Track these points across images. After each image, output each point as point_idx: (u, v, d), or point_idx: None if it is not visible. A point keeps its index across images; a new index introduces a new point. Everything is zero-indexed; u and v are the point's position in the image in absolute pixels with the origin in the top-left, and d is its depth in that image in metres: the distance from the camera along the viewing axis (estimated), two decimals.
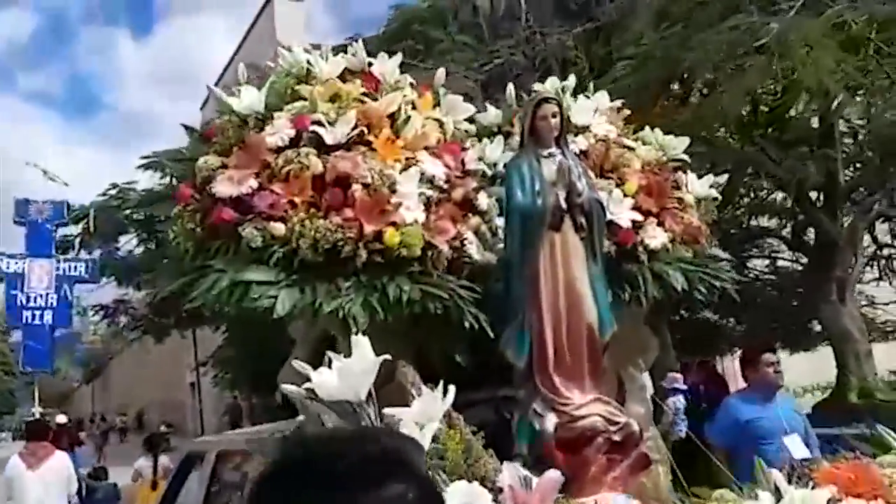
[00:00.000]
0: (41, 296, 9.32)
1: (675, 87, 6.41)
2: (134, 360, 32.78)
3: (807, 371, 9.86)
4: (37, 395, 10.11)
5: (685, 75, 6.04)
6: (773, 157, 6.24)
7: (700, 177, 3.62)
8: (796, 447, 3.65)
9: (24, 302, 9.39)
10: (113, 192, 8.98)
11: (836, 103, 5.77)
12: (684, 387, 7.16)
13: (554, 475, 1.80)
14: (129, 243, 9.84)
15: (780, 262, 8.99)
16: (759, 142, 6.45)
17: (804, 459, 3.47)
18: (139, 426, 27.92)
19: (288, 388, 1.93)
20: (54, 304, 9.37)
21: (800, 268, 8.58)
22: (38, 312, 9.32)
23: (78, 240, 10.14)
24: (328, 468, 0.82)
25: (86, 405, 41.61)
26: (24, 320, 9.44)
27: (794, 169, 6.26)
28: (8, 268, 9.46)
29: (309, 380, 1.85)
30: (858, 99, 5.95)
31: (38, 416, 9.35)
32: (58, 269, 9.43)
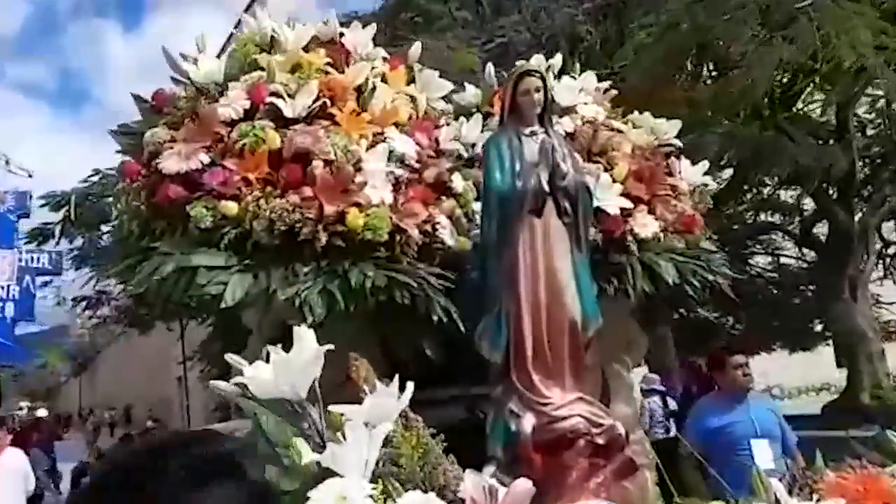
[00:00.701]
0: (2, 288, 9.01)
1: (690, 66, 6.03)
2: (121, 354, 32.43)
3: (801, 372, 9.65)
4: None
5: (707, 48, 5.63)
6: (795, 142, 5.90)
7: (719, 163, 3.43)
8: (762, 454, 3.62)
9: None
10: (95, 178, 8.64)
11: (861, 84, 5.43)
12: (662, 388, 6.98)
13: (524, 485, 1.56)
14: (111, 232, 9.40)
15: (783, 260, 8.76)
16: (783, 125, 6.13)
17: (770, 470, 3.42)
18: (127, 421, 27.53)
19: (218, 384, 1.69)
20: (16, 296, 9.05)
21: (804, 265, 8.37)
22: None
23: (59, 228, 9.76)
24: (153, 473, 0.85)
25: (73, 400, 41.24)
26: None
27: (820, 155, 5.93)
28: None
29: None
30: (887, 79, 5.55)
31: (25, 409, 9.17)
32: (20, 260, 9.12)
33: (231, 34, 3.06)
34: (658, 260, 2.98)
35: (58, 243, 9.72)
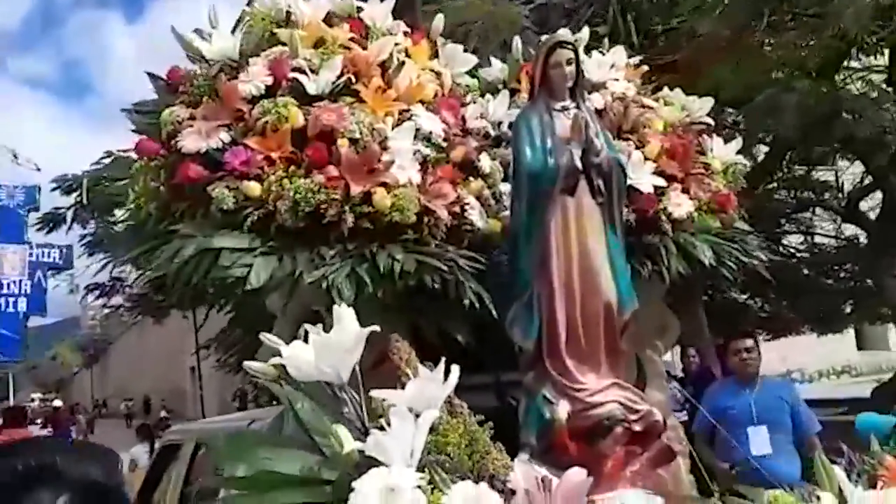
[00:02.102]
0: (14, 283, 8.96)
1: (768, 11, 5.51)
2: (134, 345, 32.52)
3: (822, 355, 9.38)
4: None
5: None
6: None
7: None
8: (758, 441, 3.62)
9: None
10: (107, 160, 8.40)
11: None
12: (679, 374, 6.83)
13: (578, 475, 1.46)
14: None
15: (817, 239, 8.46)
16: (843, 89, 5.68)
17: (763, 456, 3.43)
18: (146, 411, 27.55)
19: (253, 365, 1.59)
20: (28, 291, 9.01)
21: (840, 244, 8.08)
22: (10, 300, 8.97)
23: (71, 212, 9.55)
24: None
25: (85, 391, 41.50)
26: None
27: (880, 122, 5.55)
28: None
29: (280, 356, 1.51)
30: None
31: (37, 401, 9.16)
32: (31, 255, 9.05)
33: (240, 18, 2.94)
34: (693, 240, 2.88)
35: (69, 228, 9.54)
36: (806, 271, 8.17)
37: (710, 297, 6.75)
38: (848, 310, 8.22)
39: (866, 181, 7.33)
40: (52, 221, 9.45)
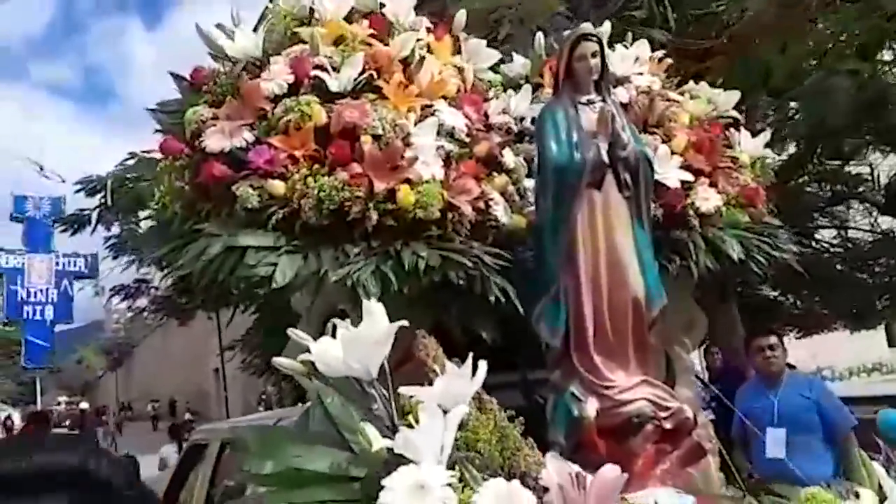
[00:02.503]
0: (41, 291, 9.13)
1: None
2: (157, 347, 32.79)
3: (852, 352, 9.11)
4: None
5: None
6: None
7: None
8: (775, 443, 3.47)
9: (24, 297, 9.20)
10: (131, 161, 7.96)
11: None
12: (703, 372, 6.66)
13: (612, 472, 1.43)
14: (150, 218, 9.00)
15: (851, 233, 8.19)
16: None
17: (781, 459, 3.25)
18: (172, 413, 27.80)
19: (282, 361, 1.58)
20: (54, 299, 9.17)
21: (876, 237, 7.83)
22: (38, 308, 9.15)
23: (96, 213, 9.52)
24: None
25: (110, 394, 41.95)
26: (24, 315, 9.23)
27: None
28: (7, 263, 9.25)
29: (309, 352, 1.49)
30: None
31: (63, 404, 9.32)
32: (57, 264, 9.21)
33: (262, 16, 2.94)
34: (722, 235, 2.83)
35: (94, 230, 9.53)
36: (839, 266, 7.90)
37: (741, 294, 6.62)
38: (881, 306, 8.00)
39: None
40: (77, 223, 9.46)
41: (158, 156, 2.65)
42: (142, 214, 2.76)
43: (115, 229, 9.20)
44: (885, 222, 7.74)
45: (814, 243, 7.92)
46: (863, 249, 7.94)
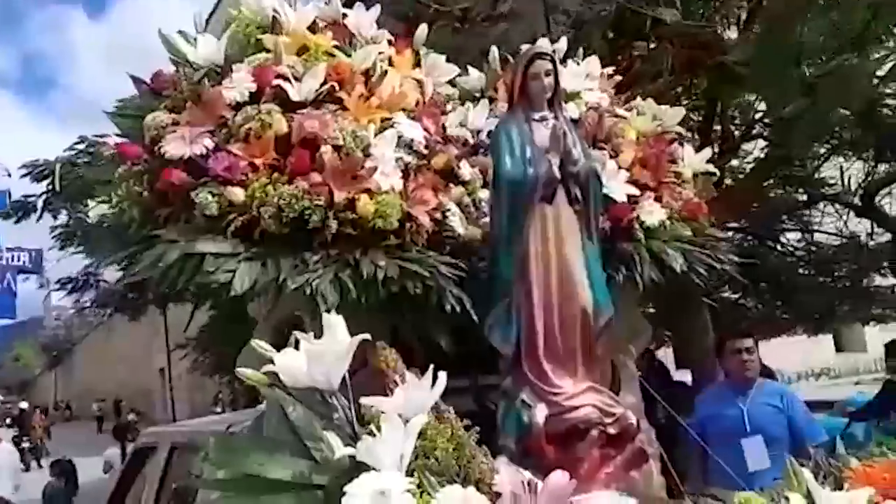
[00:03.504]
0: None
1: None
2: (100, 346, 31.89)
3: (800, 357, 9.19)
4: None
5: None
6: None
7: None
8: (754, 453, 3.28)
9: None
10: (81, 146, 7.56)
11: None
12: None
13: (561, 478, 1.52)
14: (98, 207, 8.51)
15: (817, 237, 8.09)
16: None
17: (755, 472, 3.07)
18: (117, 414, 27.09)
19: (246, 372, 1.62)
20: None
21: (837, 242, 7.88)
22: None
23: (41, 200, 9.00)
24: None
25: (48, 393, 40.61)
26: None
27: None
28: None
29: (272, 362, 1.54)
30: None
31: None
32: (1, 258, 8.84)
33: (213, 9, 2.95)
34: (666, 248, 2.96)
35: (40, 218, 9.01)
36: (802, 270, 7.90)
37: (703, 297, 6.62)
38: (842, 311, 8.06)
39: (875, 175, 7.11)
40: (22, 210, 8.99)
41: (111, 142, 2.63)
42: (91, 203, 2.68)
43: (63, 218, 8.71)
44: (852, 225, 7.72)
45: (779, 247, 7.97)
46: (827, 253, 7.90)
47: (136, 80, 2.71)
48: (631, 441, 2.67)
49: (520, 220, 2.60)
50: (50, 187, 8.02)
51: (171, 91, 2.59)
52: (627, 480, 2.70)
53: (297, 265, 2.34)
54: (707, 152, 3.39)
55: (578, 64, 3.33)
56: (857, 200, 7.33)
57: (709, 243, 3.14)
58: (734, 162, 7.08)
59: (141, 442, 4.13)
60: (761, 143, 7.16)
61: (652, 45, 5.95)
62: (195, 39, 2.64)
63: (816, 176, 7.22)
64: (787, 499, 1.74)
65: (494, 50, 3.29)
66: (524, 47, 3.04)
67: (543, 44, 3.04)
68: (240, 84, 2.49)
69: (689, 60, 5.45)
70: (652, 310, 6.63)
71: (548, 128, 2.65)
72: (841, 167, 7.18)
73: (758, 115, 6.84)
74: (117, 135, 2.66)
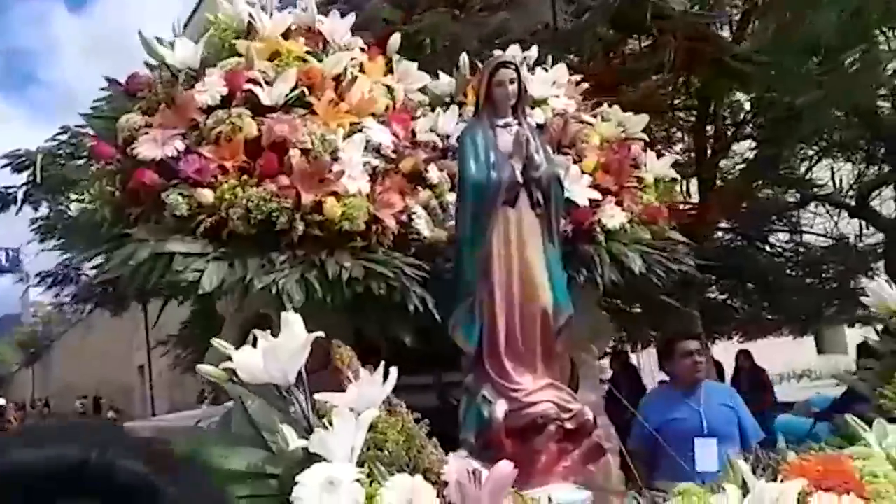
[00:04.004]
0: None
1: None
2: (78, 343, 31.56)
3: (782, 359, 9.12)
4: None
5: None
6: None
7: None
8: (706, 455, 3.21)
9: None
10: (63, 136, 7.12)
11: None
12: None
13: (505, 467, 1.62)
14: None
15: (805, 238, 8.05)
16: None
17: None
18: (97, 411, 26.89)
19: (205, 368, 1.70)
20: None
21: (825, 242, 7.86)
22: None
23: (22, 191, 8.74)
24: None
25: (26, 390, 40.15)
26: None
27: None
28: None
29: (231, 359, 1.62)
30: None
31: None
32: None
33: (191, 15, 3.01)
34: (625, 250, 3.07)
35: (19, 210, 8.75)
36: (790, 271, 7.85)
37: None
38: (829, 312, 8.05)
39: (867, 176, 7.14)
40: (2, 202, 8.79)
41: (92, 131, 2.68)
42: (73, 196, 2.72)
43: (44, 210, 8.49)
44: (842, 226, 7.71)
45: (767, 247, 7.98)
46: (815, 254, 7.86)
47: (111, 82, 2.77)
48: (588, 436, 2.77)
49: (483, 222, 2.69)
50: (31, 178, 7.88)
51: (145, 93, 2.66)
52: (585, 474, 2.81)
53: (264, 265, 2.41)
54: (669, 158, 3.49)
55: (547, 70, 3.43)
56: (850, 201, 7.31)
57: (668, 246, 3.25)
58: (724, 162, 7.12)
59: None
60: (752, 143, 7.21)
61: (652, 39, 5.92)
62: (172, 43, 2.70)
63: (808, 177, 7.22)
64: (723, 489, 1.84)
65: (464, 56, 3.38)
66: (494, 54, 3.14)
67: (513, 52, 3.14)
68: (212, 88, 2.56)
69: (690, 54, 5.38)
70: (638, 310, 6.74)
71: (511, 134, 2.74)
72: (832, 168, 7.14)
73: (748, 116, 6.91)
74: (94, 136, 2.72)
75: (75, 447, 0.63)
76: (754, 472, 2.05)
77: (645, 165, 3.38)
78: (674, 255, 3.24)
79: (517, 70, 2.77)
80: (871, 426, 2.20)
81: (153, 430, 3.60)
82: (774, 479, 2.04)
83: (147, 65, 2.77)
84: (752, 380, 8.14)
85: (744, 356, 8.51)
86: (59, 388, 35.84)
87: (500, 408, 2.63)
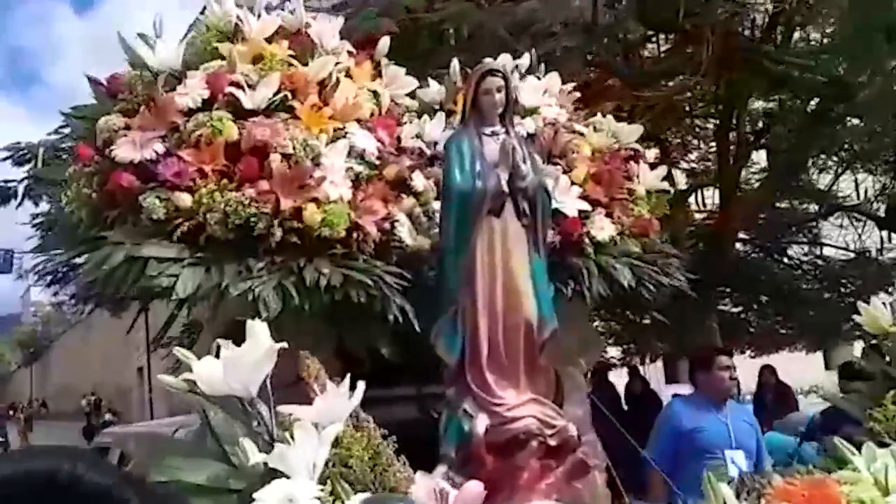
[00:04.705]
0: None
1: None
2: (78, 343, 31.57)
3: (791, 374, 8.99)
4: None
5: None
6: None
7: None
8: (738, 465, 3.30)
9: None
10: (67, 130, 7.61)
11: None
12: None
13: (475, 486, 1.56)
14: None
15: (825, 251, 7.96)
16: None
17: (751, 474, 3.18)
18: (97, 412, 26.85)
19: (165, 379, 1.65)
20: None
21: (844, 256, 7.57)
22: None
23: (22, 186, 8.68)
24: None
25: (24, 389, 40.13)
26: None
27: None
28: None
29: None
30: None
31: None
32: None
33: (194, 21, 2.98)
34: (614, 263, 3.01)
35: (20, 204, 8.69)
36: (807, 285, 7.76)
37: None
38: (847, 326, 7.94)
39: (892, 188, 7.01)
40: (1, 197, 8.74)
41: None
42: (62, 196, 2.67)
43: (44, 206, 8.43)
44: (865, 238, 7.58)
45: (785, 259, 7.87)
46: (834, 268, 7.79)
47: (93, 81, 2.73)
48: (572, 452, 2.70)
49: (467, 231, 2.64)
50: (32, 172, 7.84)
51: (126, 94, 2.61)
52: (570, 491, 2.74)
53: (241, 271, 2.36)
54: (662, 170, 3.43)
55: (539, 79, 3.38)
56: (880, 212, 7.18)
57: (659, 260, 3.19)
58: (742, 173, 6.97)
59: (97, 442, 4.13)
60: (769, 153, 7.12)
61: (681, 36, 5.77)
62: (153, 44, 2.66)
63: (831, 188, 7.11)
64: None
65: (455, 63, 3.33)
66: (482, 61, 3.08)
67: (502, 60, 3.10)
68: (193, 90, 2.51)
69: (724, 52, 5.23)
70: (647, 321, 6.59)
71: (498, 142, 2.69)
72: (855, 179, 7.07)
73: (766, 124, 6.81)
74: (75, 138, 2.68)
75: (48, 461, 0.73)
76: (738, 496, 1.99)
77: (637, 177, 3.33)
78: (665, 268, 3.18)
79: (505, 78, 2.73)
80: (859, 449, 2.14)
81: (128, 436, 3.55)
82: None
83: (131, 65, 2.72)
84: (777, 395, 7.96)
85: (768, 371, 8.33)
86: (57, 388, 35.80)
87: (482, 423, 2.57)
